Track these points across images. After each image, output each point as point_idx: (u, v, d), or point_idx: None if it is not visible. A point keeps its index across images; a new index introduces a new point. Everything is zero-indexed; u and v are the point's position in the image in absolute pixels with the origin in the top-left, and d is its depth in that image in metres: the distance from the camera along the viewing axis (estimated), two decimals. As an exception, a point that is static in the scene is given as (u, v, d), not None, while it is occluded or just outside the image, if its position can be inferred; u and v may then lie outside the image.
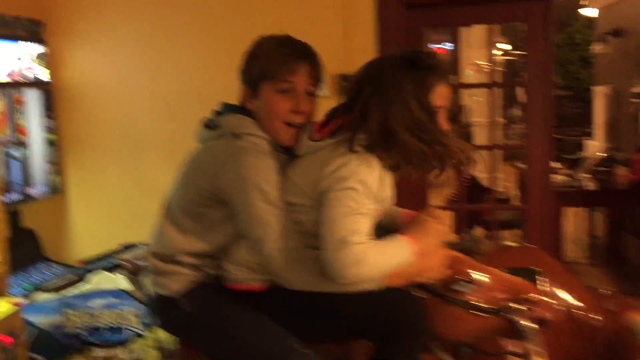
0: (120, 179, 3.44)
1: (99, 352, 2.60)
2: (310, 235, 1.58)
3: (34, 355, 2.56)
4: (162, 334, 2.53)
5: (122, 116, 3.40)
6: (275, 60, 1.67)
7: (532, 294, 1.73)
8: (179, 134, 3.36)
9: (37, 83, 3.24)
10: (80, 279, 2.68)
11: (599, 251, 5.71)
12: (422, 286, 1.69)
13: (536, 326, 1.68)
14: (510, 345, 1.72)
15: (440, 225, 1.68)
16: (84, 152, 3.45)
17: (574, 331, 1.87)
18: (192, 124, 3.31)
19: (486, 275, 1.74)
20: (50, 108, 3.33)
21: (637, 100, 5.25)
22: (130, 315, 2.58)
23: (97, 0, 3.36)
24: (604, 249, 5.62)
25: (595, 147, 6.14)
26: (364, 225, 1.51)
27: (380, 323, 1.61)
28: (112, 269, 2.68)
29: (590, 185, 5.09)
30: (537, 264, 1.94)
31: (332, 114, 1.70)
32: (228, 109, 1.77)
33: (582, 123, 7.63)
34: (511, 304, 1.69)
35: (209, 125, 1.77)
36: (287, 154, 1.70)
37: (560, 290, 1.94)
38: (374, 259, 1.50)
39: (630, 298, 2.08)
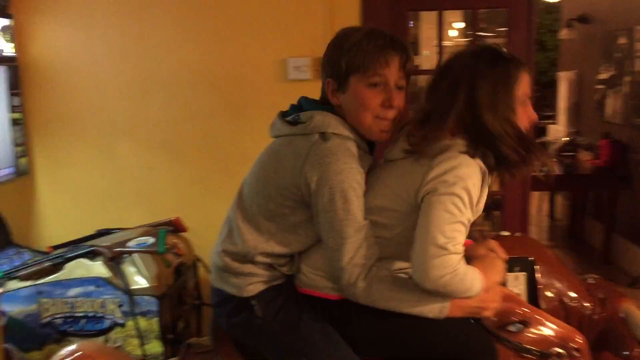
0: (91, 160, 3.32)
1: (76, 342, 2.51)
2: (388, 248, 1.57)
3: (7, 346, 2.47)
4: (142, 323, 2.47)
5: (94, 95, 3.27)
6: (366, 53, 1.59)
7: (576, 340, 1.76)
8: (153, 115, 3.28)
9: (1, 58, 3.07)
10: (56, 266, 2.57)
11: (560, 234, 5.90)
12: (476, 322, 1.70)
13: None
14: None
15: (500, 261, 1.68)
16: (53, 132, 3.30)
17: (568, 319, 1.91)
18: (166, 105, 3.25)
19: (536, 317, 1.77)
20: (16, 85, 3.16)
21: (602, 87, 5.39)
22: (110, 304, 2.49)
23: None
24: (565, 232, 5.81)
25: (558, 131, 6.30)
26: (462, 235, 1.50)
27: (454, 353, 1.61)
28: (88, 255, 2.57)
29: (554, 169, 5.22)
30: (531, 253, 1.98)
31: (425, 118, 1.62)
32: (311, 104, 1.70)
33: (542, 107, 7.82)
34: (558, 349, 1.72)
35: (290, 120, 1.69)
36: (371, 153, 1.66)
37: (554, 279, 1.99)
38: (464, 274, 1.49)
39: (617, 286, 2.15)
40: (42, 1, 3.21)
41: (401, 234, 1.57)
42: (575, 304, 1.95)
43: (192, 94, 3.23)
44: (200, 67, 3.22)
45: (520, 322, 1.74)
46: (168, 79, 3.24)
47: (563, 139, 5.75)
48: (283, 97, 3.05)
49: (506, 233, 2.05)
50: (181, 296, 2.75)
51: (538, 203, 6.18)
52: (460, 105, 1.55)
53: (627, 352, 1.84)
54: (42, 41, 3.24)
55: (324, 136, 1.58)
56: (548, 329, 1.77)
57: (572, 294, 1.97)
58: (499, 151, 1.52)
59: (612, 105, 5.21)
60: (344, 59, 1.62)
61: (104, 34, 3.22)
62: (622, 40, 4.96)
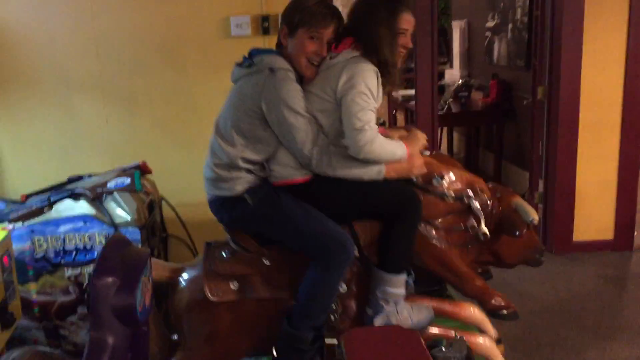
0: (49, 115, 3.56)
1: (69, 271, 2.87)
2: (330, 136, 2.20)
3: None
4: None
5: (48, 53, 3.49)
6: (314, 15, 2.19)
7: (480, 185, 2.41)
8: (107, 70, 3.56)
9: (-45, 21, 3.23)
10: (42, 208, 2.88)
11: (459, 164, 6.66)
12: (409, 181, 2.31)
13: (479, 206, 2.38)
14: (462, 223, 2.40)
15: (422, 137, 2.36)
16: (9, 89, 3.51)
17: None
18: (118, 61, 3.55)
19: (450, 171, 2.39)
20: (-30, 47, 3.32)
21: (489, 34, 6.08)
22: (98, 237, 2.86)
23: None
24: (463, 162, 6.58)
25: (454, 75, 7.00)
26: (372, 118, 2.15)
27: (392, 205, 2.23)
28: (72, 197, 2.89)
29: (453, 108, 5.92)
30: (447, 164, 2.56)
31: (339, 38, 2.25)
32: (260, 51, 2.27)
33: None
34: (469, 192, 2.37)
35: (243, 64, 2.26)
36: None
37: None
38: (382, 143, 2.15)
39: (509, 187, 2.79)
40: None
41: (334, 124, 2.21)
42: (484, 202, 2.56)
43: (142, 51, 3.52)
44: (148, 26, 3.50)
45: (439, 176, 2.37)
46: (119, 37, 3.50)
47: (458, 81, 6.44)
48: (226, 53, 3.54)
49: (427, 152, 2.64)
50: (153, 229, 3.16)
51: (439, 138, 6.92)
52: (358, 28, 2.21)
53: (518, 232, 2.49)
54: (-3, 3, 3.39)
55: (272, 70, 2.16)
56: (459, 179, 2.42)
57: (489, 201, 2.56)
58: (382, 58, 2.18)
59: (498, 49, 5.85)
60: (298, 15, 2.22)
61: (55, -3, 3.42)
62: (505, -8, 5.63)
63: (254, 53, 2.28)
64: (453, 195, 2.38)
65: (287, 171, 2.25)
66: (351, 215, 2.31)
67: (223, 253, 2.38)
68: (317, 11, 2.21)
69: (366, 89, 2.13)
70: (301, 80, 2.27)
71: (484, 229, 2.38)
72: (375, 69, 2.18)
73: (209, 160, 2.33)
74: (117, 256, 1.58)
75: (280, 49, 2.30)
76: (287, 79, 2.17)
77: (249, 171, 2.24)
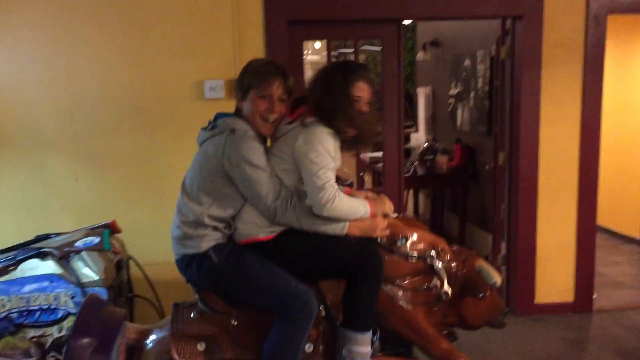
0: (19, 173, 3.57)
1: (31, 332, 2.81)
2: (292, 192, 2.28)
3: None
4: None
5: (21, 111, 3.52)
6: (259, 76, 2.33)
7: (442, 245, 2.50)
8: (79, 130, 3.59)
9: None
10: (7, 267, 2.84)
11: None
12: (373, 241, 2.39)
13: (441, 265, 2.47)
14: (425, 283, 2.48)
15: (387, 201, 2.45)
16: (-20, 148, 3.51)
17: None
18: (91, 121, 3.59)
19: (413, 233, 2.48)
20: (-57, 104, 3.34)
21: (453, 100, 6.34)
22: (63, 296, 2.82)
23: (-3, 1, 3.43)
24: (428, 225, 6.71)
25: (419, 139, 7.22)
26: (331, 176, 2.24)
27: (353, 264, 2.28)
28: (39, 256, 2.87)
29: (418, 171, 6.08)
30: (415, 227, 2.65)
31: (295, 105, 2.39)
32: (223, 115, 2.39)
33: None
34: (430, 251, 2.46)
35: (207, 127, 2.38)
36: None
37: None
38: (343, 201, 2.23)
39: (473, 250, 2.88)
40: (-30, 24, 3.41)
41: (296, 183, 2.29)
42: (446, 262, 2.64)
43: (116, 112, 3.58)
44: (124, 87, 3.58)
45: (403, 237, 2.46)
46: (94, 98, 3.56)
47: (424, 145, 6.63)
48: (200, 114, 3.63)
49: (395, 214, 2.72)
50: (120, 289, 3.14)
51: (405, 200, 7.06)
52: (315, 96, 2.33)
53: (482, 294, 2.56)
54: (-30, 62, 3.44)
55: (233, 131, 2.28)
56: (422, 240, 2.51)
57: (453, 263, 2.64)
58: (337, 123, 2.28)
59: (461, 115, 6.09)
60: (246, 79, 2.38)
61: (32, 55, 3.50)
62: (467, 62, 5.86)
63: (217, 117, 2.42)
64: (416, 255, 2.46)
65: (251, 229, 2.31)
66: (314, 274, 2.36)
67: (191, 314, 2.39)
68: (263, 72, 2.35)
69: (323, 149, 2.23)
70: (264, 141, 2.39)
71: (447, 288, 2.46)
72: (331, 131, 2.28)
73: (175, 219, 2.39)
74: (94, 317, 1.58)
75: (240, 112, 2.43)
76: (246, 137, 2.28)
77: (215, 229, 2.30)
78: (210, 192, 2.29)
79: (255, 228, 2.30)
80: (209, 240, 2.30)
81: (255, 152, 2.25)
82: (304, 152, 2.24)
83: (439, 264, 2.46)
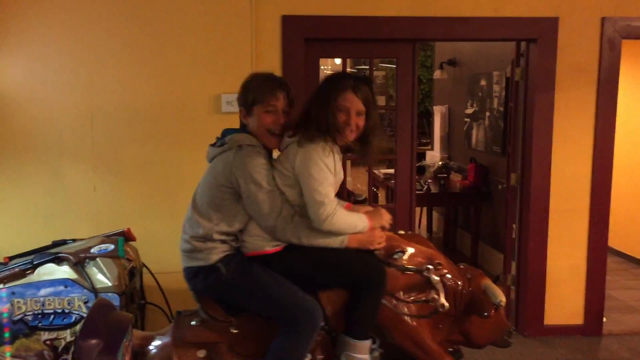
0: (40, 180, 3.65)
1: (45, 335, 2.89)
2: (294, 206, 2.34)
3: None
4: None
5: (44, 122, 3.62)
6: (263, 90, 2.40)
7: (440, 259, 2.53)
8: (99, 140, 3.69)
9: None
10: (25, 271, 2.93)
11: (437, 244, 6.79)
12: (371, 254, 2.44)
13: (438, 279, 2.50)
14: (422, 295, 2.50)
15: (385, 214, 2.49)
16: (4, 155, 3.61)
17: (446, 294, 2.62)
18: (111, 132, 3.69)
19: (411, 247, 2.52)
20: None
21: (468, 120, 6.37)
22: (77, 301, 2.91)
23: (23, 11, 3.54)
24: (441, 242, 6.72)
25: (434, 156, 7.24)
26: (331, 191, 2.30)
27: (359, 274, 2.35)
28: (55, 261, 2.96)
29: (432, 188, 6.11)
30: (423, 245, 2.69)
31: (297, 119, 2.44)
32: (230, 131, 2.45)
33: (419, 135, 8.84)
34: (428, 265, 2.49)
35: (216, 144, 2.44)
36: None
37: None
38: (343, 216, 2.28)
39: (479, 269, 2.91)
40: (0, 40, 3.55)
41: (299, 197, 2.34)
42: (451, 282, 2.67)
43: (135, 123, 3.67)
44: (143, 99, 3.67)
45: (400, 251, 2.50)
46: (113, 109, 3.65)
47: (438, 163, 6.66)
48: (216, 128, 3.67)
49: (402, 232, 2.77)
50: (132, 296, 3.21)
51: (418, 218, 7.08)
52: (309, 110, 2.38)
53: (487, 313, 2.58)
54: (-1, 75, 3.57)
55: (240, 147, 2.34)
56: (419, 253, 2.54)
57: (449, 275, 2.70)
58: (331, 134, 2.33)
59: (476, 135, 6.13)
60: (250, 95, 2.43)
61: (55, 69, 3.60)
62: (483, 82, 5.91)
63: (225, 133, 2.48)
64: (413, 268, 2.50)
65: (257, 242, 2.38)
66: (320, 285, 2.42)
67: (192, 322, 2.46)
68: (265, 86, 2.42)
69: (322, 164, 2.27)
70: (271, 154, 2.45)
71: (443, 301, 2.49)
72: (330, 145, 2.32)
73: (184, 233, 2.46)
74: (102, 319, 1.66)
75: (246, 128, 2.48)
76: (253, 154, 2.33)
77: (223, 242, 2.38)
78: (219, 208, 2.36)
79: (262, 241, 2.37)
80: (218, 252, 2.37)
81: (260, 170, 2.31)
82: (304, 167, 2.29)
83: (435, 277, 2.50)
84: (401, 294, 2.50)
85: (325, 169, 2.28)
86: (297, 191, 2.35)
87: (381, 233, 2.46)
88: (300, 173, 2.30)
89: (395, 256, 2.49)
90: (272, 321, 2.37)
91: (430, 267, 2.51)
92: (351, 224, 2.35)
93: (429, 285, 2.51)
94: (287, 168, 2.36)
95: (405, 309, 2.50)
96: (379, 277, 2.39)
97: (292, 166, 2.33)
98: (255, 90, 2.42)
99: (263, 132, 2.42)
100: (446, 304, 2.49)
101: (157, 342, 2.49)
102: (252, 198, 2.29)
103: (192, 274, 2.42)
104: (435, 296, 2.50)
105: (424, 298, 2.52)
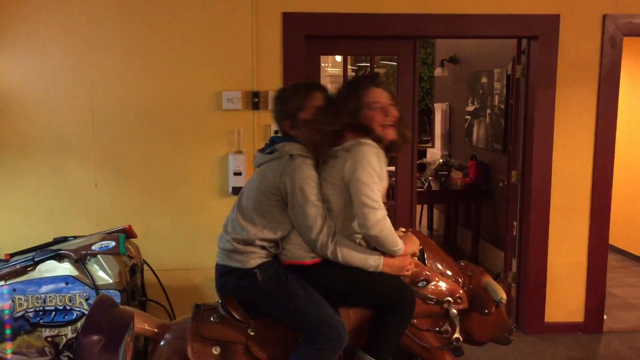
0: (42, 177, 3.66)
1: (46, 332, 2.90)
2: (340, 217, 2.34)
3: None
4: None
5: (46, 120, 3.63)
6: (305, 95, 2.42)
7: (460, 293, 2.54)
8: (100, 137, 3.69)
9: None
10: (26, 268, 2.93)
11: (437, 241, 6.79)
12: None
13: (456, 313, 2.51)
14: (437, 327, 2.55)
15: (417, 242, 2.50)
16: (7, 151, 3.62)
17: (447, 290, 2.64)
18: (112, 129, 3.70)
19: (435, 276, 2.54)
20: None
21: (469, 117, 6.37)
22: (78, 298, 2.91)
23: (23, 8, 3.54)
24: (442, 239, 6.72)
25: (435, 154, 7.24)
26: (380, 197, 2.28)
27: (389, 296, 2.36)
28: (56, 258, 2.96)
29: (433, 186, 6.11)
30: (421, 243, 2.69)
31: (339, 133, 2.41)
32: (280, 139, 2.45)
33: (420, 133, 8.84)
34: (448, 297, 2.51)
35: (265, 150, 2.46)
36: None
37: (437, 262, 2.71)
38: (389, 225, 2.28)
39: (479, 266, 2.91)
40: (1, 37, 3.55)
41: (342, 208, 2.34)
42: (452, 279, 2.68)
43: (136, 120, 3.68)
44: (144, 96, 3.68)
45: (425, 280, 2.51)
46: (115, 106, 3.66)
47: (439, 160, 6.67)
48: (217, 125, 3.71)
49: (403, 229, 2.77)
50: (133, 293, 3.22)
51: (419, 216, 7.08)
52: (344, 115, 2.36)
53: (487, 310, 2.59)
54: (1, 73, 3.57)
55: (292, 157, 2.34)
56: (442, 285, 2.55)
57: (450, 272, 2.70)
58: (373, 134, 2.34)
59: (477, 132, 6.12)
60: (291, 105, 2.42)
61: (56, 67, 3.60)
62: (484, 80, 5.90)
63: (276, 140, 2.47)
64: (434, 299, 2.51)
65: (298, 252, 2.38)
66: (347, 301, 2.42)
67: (211, 317, 2.46)
68: (307, 89, 2.43)
69: (371, 169, 2.27)
70: (317, 164, 2.42)
71: (458, 335, 2.51)
72: (376, 149, 2.32)
73: (226, 233, 2.46)
74: (103, 315, 1.66)
75: (293, 137, 2.45)
76: (305, 165, 2.33)
77: (263, 247, 2.38)
78: (264, 215, 2.36)
79: (302, 251, 2.37)
80: (256, 258, 2.37)
81: (311, 182, 2.31)
82: (353, 172, 2.27)
83: (454, 312, 2.51)
84: (416, 321, 2.51)
85: (374, 174, 2.27)
86: (344, 199, 2.33)
87: (411, 260, 2.46)
88: (349, 179, 2.28)
89: (420, 284, 2.50)
90: (294, 331, 2.37)
91: (451, 300, 2.52)
92: (394, 239, 2.34)
93: (445, 316, 2.53)
94: (334, 175, 2.34)
95: (418, 337, 2.52)
96: (409, 301, 2.40)
97: (341, 174, 2.31)
98: (296, 100, 2.41)
99: (312, 138, 2.39)
100: (461, 338, 2.51)
101: (173, 332, 2.50)
102: (299, 209, 2.30)
103: (226, 272, 2.42)
104: (449, 329, 2.52)
105: (437, 329, 2.54)
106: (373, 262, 2.34)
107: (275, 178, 2.33)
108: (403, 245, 2.37)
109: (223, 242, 2.45)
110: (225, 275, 2.43)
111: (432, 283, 2.52)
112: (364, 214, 2.24)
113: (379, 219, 2.25)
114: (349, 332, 2.42)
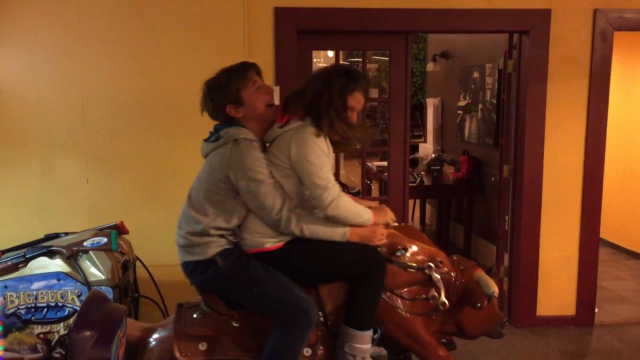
0: (31, 172, 3.63)
1: (38, 329, 2.89)
2: (295, 200, 2.32)
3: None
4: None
5: (35, 113, 3.60)
6: (242, 75, 2.38)
7: (441, 257, 2.54)
8: (91, 132, 3.67)
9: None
10: (17, 264, 2.92)
11: (430, 236, 6.81)
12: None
13: (439, 277, 2.51)
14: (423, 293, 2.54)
15: (389, 212, 2.49)
16: (-5, 146, 3.60)
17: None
18: (103, 123, 3.67)
19: (414, 245, 2.52)
20: (-41, 105, 3.42)
21: (461, 112, 6.38)
22: (70, 295, 2.90)
23: (14, 3, 3.50)
24: (434, 234, 6.74)
25: (427, 149, 7.25)
26: (332, 175, 2.28)
27: (359, 265, 2.36)
28: (47, 254, 2.94)
29: (425, 181, 6.12)
30: (414, 237, 2.69)
31: (285, 107, 2.39)
32: (222, 126, 2.40)
33: (412, 128, 8.85)
34: (429, 263, 2.50)
35: (210, 139, 2.40)
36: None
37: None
38: (348, 201, 2.28)
39: (472, 260, 2.93)
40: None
41: (297, 188, 2.33)
42: (444, 274, 2.69)
43: (127, 115, 3.66)
44: (135, 91, 3.65)
45: (403, 248, 2.51)
46: (105, 100, 3.63)
47: (431, 155, 6.68)
48: (209, 120, 3.64)
49: (396, 223, 2.77)
50: (126, 289, 3.21)
51: (411, 211, 7.09)
52: (311, 98, 2.33)
53: (480, 304, 2.60)
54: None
55: (236, 141, 2.31)
56: (421, 251, 2.55)
57: (453, 274, 2.68)
58: (332, 129, 2.31)
59: (469, 127, 6.14)
60: (233, 86, 2.35)
61: (46, 61, 3.57)
62: (476, 75, 5.92)
63: (218, 128, 2.44)
64: (415, 266, 2.51)
65: (257, 239, 2.35)
66: (321, 279, 2.42)
67: (194, 314, 2.45)
68: (241, 70, 2.40)
69: (318, 150, 2.26)
70: (264, 147, 2.40)
71: (444, 299, 2.51)
72: (322, 132, 2.30)
73: (180, 229, 2.44)
74: (95, 312, 1.66)
75: (236, 121, 2.41)
76: (250, 147, 2.31)
77: (221, 236, 2.36)
78: (216, 204, 2.33)
79: (262, 238, 2.35)
80: (215, 246, 2.35)
81: (259, 163, 2.29)
82: (301, 154, 2.26)
83: (436, 276, 2.51)
84: (402, 291, 2.51)
85: (322, 154, 2.27)
86: (295, 181, 2.33)
87: (383, 230, 2.44)
88: (297, 161, 2.27)
89: (398, 253, 2.50)
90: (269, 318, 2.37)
91: (431, 265, 2.52)
92: (356, 212, 2.33)
93: (430, 283, 2.52)
94: (281, 159, 2.32)
95: (407, 306, 2.52)
96: (378, 266, 2.39)
97: (287, 156, 2.30)
98: (236, 79, 2.36)
99: (264, 110, 2.38)
100: (447, 302, 2.51)
101: (157, 334, 2.50)
102: (253, 193, 2.27)
103: (191, 269, 2.40)
104: (436, 294, 2.52)
105: (424, 296, 2.54)
106: (340, 230, 2.33)
107: (222, 165, 2.30)
108: (371, 215, 2.37)
109: (179, 239, 2.44)
110: (191, 273, 2.41)
111: (411, 251, 2.52)
112: (317, 195, 2.25)
113: (334, 198, 2.24)
114: (336, 311, 2.43)
